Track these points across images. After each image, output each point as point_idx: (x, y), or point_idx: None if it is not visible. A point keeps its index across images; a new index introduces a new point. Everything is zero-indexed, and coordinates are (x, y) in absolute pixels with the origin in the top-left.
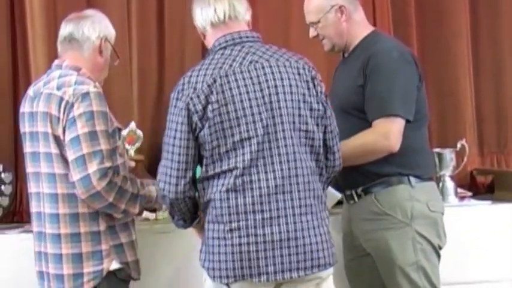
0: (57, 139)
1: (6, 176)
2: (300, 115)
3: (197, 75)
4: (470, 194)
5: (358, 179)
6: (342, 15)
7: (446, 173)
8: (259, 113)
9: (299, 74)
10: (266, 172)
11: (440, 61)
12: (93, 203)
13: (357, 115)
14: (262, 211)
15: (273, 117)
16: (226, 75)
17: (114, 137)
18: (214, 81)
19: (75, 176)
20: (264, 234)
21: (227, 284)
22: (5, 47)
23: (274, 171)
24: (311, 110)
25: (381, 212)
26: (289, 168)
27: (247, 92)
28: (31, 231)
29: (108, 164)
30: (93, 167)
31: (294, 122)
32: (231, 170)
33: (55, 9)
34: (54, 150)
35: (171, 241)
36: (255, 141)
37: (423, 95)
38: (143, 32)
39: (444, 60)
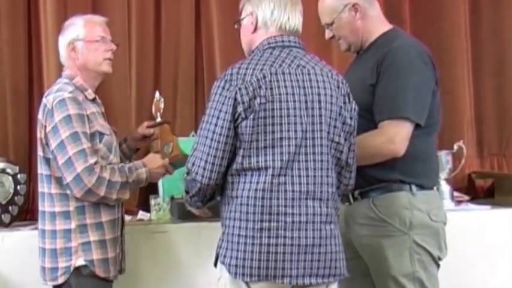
0: (41, 142)
1: (22, 177)
2: (335, 126)
3: (246, 68)
4: (467, 198)
5: (357, 181)
6: (357, 13)
7: (442, 176)
8: (300, 116)
9: (338, 87)
10: (300, 176)
11: (436, 57)
12: (88, 199)
13: (367, 117)
14: (293, 214)
15: (313, 123)
16: (276, 74)
17: (94, 139)
18: (264, 76)
19: (68, 177)
20: (293, 238)
21: (247, 283)
22: (22, 60)
23: (307, 176)
24: (343, 124)
25: (378, 218)
26: (321, 176)
27: (293, 94)
28: None
29: (92, 161)
30: (80, 166)
31: (328, 132)
32: (266, 168)
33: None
34: (41, 153)
35: (165, 240)
36: (293, 142)
37: (437, 101)
38: (141, 42)
39: (441, 56)
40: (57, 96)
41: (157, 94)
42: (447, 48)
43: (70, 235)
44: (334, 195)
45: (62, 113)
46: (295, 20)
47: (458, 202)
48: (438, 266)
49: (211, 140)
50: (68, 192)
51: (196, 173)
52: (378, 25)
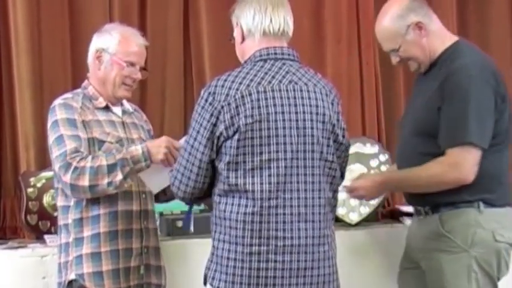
0: None
1: None
2: (328, 145)
3: (232, 81)
4: None
5: (427, 196)
6: (421, 31)
7: None
8: (291, 136)
9: (332, 104)
10: (291, 198)
11: None
12: (79, 196)
13: (428, 139)
14: (284, 238)
15: (304, 143)
16: (265, 91)
17: (92, 146)
18: (250, 93)
19: (61, 183)
20: (283, 261)
21: None
22: None
23: (299, 198)
24: (335, 141)
25: (441, 233)
26: (312, 198)
27: (283, 112)
28: (15, 248)
29: (70, 158)
30: (58, 165)
31: (321, 152)
32: (254, 191)
33: (39, 30)
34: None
35: None
36: (283, 164)
37: (506, 117)
38: None
39: None
40: (51, 105)
41: None
42: None
43: (68, 249)
44: (327, 216)
45: (50, 119)
46: (279, 21)
47: None
48: (495, 286)
49: (189, 154)
50: (70, 204)
51: (173, 184)
52: (441, 40)
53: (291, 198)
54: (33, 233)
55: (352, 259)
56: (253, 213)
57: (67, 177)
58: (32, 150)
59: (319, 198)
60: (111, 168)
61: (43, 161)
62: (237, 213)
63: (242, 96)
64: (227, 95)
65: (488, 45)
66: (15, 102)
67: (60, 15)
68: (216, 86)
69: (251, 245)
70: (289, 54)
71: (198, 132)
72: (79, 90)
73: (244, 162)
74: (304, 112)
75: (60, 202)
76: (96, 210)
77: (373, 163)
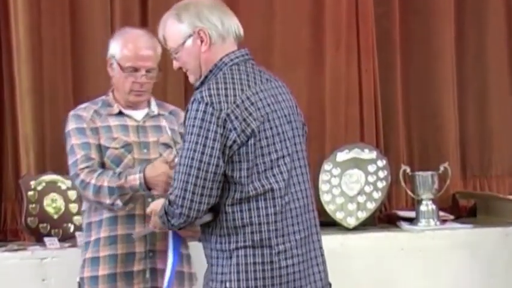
0: None
1: None
2: (303, 135)
3: (225, 88)
4: (452, 217)
5: None
6: None
7: (428, 195)
8: (286, 132)
9: (292, 99)
10: (296, 191)
11: (424, 84)
12: (91, 203)
13: None
14: (299, 231)
15: (294, 136)
16: (256, 93)
17: (101, 151)
18: (247, 97)
19: None
20: (302, 254)
21: None
22: None
23: (301, 190)
24: (303, 136)
25: None
26: (309, 188)
27: (276, 110)
28: (15, 250)
29: (79, 167)
30: (71, 173)
31: (303, 144)
32: (272, 191)
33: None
34: None
35: None
36: (288, 159)
37: None
38: None
39: (428, 83)
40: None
41: None
42: (434, 74)
43: (81, 252)
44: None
45: (65, 130)
46: (239, 25)
47: (443, 221)
48: None
49: (198, 169)
50: (84, 209)
51: (182, 206)
52: None
53: (296, 192)
54: (33, 235)
55: (349, 263)
56: (275, 213)
57: (77, 187)
58: (32, 154)
59: (310, 188)
60: (111, 191)
61: (43, 165)
62: (258, 216)
63: (242, 101)
64: (227, 102)
65: (484, 58)
66: (16, 108)
67: (61, 23)
68: (210, 96)
69: (277, 245)
70: (247, 54)
71: (204, 145)
72: (101, 97)
73: (257, 165)
74: (287, 107)
75: (82, 206)
76: (101, 215)
77: (371, 168)
